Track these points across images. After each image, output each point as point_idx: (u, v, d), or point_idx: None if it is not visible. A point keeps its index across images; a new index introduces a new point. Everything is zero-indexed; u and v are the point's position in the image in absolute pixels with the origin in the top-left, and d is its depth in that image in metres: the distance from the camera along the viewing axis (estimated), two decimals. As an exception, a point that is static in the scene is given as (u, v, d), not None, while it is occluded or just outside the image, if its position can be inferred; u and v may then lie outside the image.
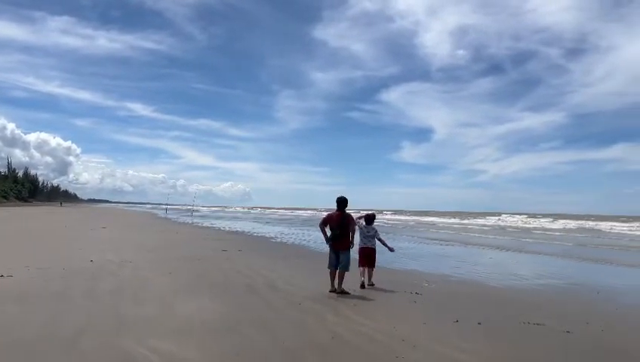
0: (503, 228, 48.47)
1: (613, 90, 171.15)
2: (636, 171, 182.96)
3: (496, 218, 71.98)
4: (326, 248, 9.20)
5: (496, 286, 10.68)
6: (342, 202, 9.00)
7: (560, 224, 55.44)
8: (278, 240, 23.40)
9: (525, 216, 74.19)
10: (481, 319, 7.09)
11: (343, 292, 8.71)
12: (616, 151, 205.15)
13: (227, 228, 33.83)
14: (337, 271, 8.82)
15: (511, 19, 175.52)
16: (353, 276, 9.86)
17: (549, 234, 36.12)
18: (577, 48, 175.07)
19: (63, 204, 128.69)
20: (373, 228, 10.27)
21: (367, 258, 9.94)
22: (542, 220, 63.29)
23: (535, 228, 47.73)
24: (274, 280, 9.99)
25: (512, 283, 11.25)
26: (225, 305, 7.44)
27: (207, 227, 35.44)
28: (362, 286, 9.54)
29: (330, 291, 8.82)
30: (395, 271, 12.76)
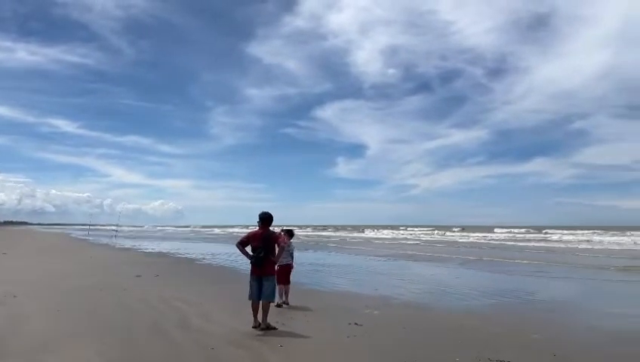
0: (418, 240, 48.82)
1: (531, 107, 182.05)
2: (553, 183, 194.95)
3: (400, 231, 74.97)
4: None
5: (443, 309, 9.62)
6: (266, 218, 7.55)
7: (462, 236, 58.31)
8: (205, 261, 21.45)
9: (432, 229, 79.87)
10: (442, 358, 5.86)
11: (268, 328, 7.23)
12: (535, 165, 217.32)
13: (151, 250, 31.18)
14: (260, 302, 7.33)
15: (438, 40, 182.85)
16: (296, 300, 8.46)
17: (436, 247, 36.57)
18: (498, 68, 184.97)
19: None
20: (292, 245, 10.02)
21: (285, 275, 9.55)
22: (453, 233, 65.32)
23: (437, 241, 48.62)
24: (188, 316, 8.32)
25: (458, 305, 10.25)
26: (116, 356, 5.74)
27: (129, 248, 32.54)
28: (279, 305, 9.14)
29: (253, 327, 7.30)
30: (328, 293, 11.48)
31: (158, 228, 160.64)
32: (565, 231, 58.38)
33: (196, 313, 8.58)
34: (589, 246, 36.80)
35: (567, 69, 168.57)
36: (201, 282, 13.59)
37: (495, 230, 70.52)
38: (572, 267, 20.21)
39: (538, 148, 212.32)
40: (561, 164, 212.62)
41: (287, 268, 9.67)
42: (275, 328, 7.30)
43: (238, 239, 7.69)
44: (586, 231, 56.74)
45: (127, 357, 5.75)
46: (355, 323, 7.86)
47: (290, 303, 9.53)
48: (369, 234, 73.43)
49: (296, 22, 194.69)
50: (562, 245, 39.36)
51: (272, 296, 7.38)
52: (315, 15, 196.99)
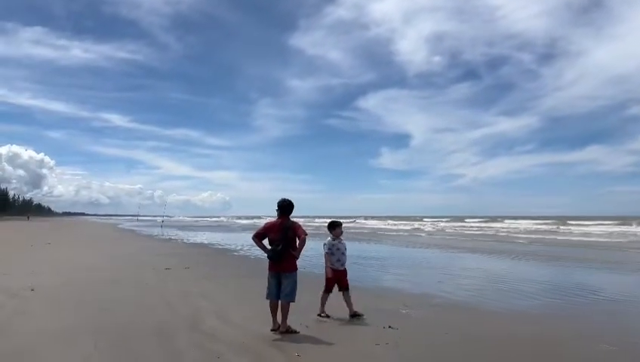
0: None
1: (584, 93, 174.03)
2: (606, 172, 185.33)
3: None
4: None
5: (493, 310, 8.37)
6: (285, 206, 6.60)
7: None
8: (242, 253, 20.84)
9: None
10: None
11: (288, 332, 6.30)
12: (588, 153, 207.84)
13: (191, 240, 31.07)
14: (280, 302, 6.41)
15: (484, 25, 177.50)
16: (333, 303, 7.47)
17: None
18: (548, 53, 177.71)
19: (30, 218, 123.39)
20: (343, 243, 7.73)
21: (341, 282, 7.54)
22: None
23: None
24: (204, 314, 7.51)
25: (510, 305, 8.94)
26: (102, 365, 4.97)
27: (170, 239, 32.62)
28: (323, 314, 7.46)
29: (271, 330, 6.41)
30: (365, 289, 10.34)
31: (208, 218, 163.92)
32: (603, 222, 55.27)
33: (214, 311, 7.78)
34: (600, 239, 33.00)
35: (622, 52, 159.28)
36: (232, 275, 12.88)
37: (505, 221, 70.80)
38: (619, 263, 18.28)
39: (591, 135, 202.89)
40: (617, 152, 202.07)
41: (340, 274, 7.53)
42: (296, 331, 6.37)
43: (255, 231, 6.78)
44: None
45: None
46: (390, 327, 6.82)
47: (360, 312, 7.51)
48: (408, 225, 71.21)
49: (338, 12, 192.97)
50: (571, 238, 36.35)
51: (293, 296, 6.41)
52: (357, 4, 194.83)
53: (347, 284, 7.58)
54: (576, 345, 6.14)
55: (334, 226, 7.69)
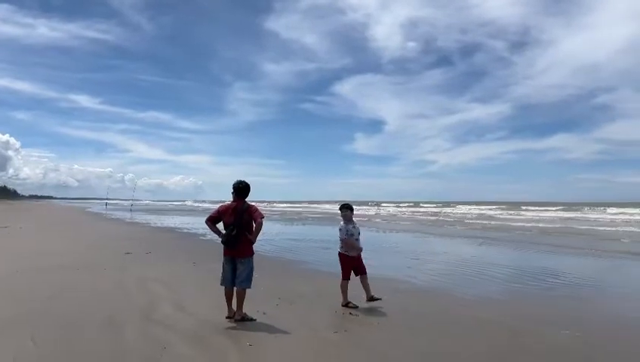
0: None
1: (554, 82, 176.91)
2: (573, 160, 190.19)
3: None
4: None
5: (457, 297, 8.29)
6: (242, 189, 6.29)
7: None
8: (208, 237, 20.41)
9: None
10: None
11: (243, 319, 6.06)
12: (557, 141, 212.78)
13: (159, 224, 30.42)
14: (235, 288, 6.13)
15: (458, 12, 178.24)
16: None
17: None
18: (520, 41, 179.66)
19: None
20: (357, 227, 7.46)
21: (358, 267, 7.34)
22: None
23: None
24: (160, 302, 7.19)
25: (473, 290, 8.88)
26: (36, 355, 4.62)
27: (137, 223, 31.86)
28: (350, 304, 7.14)
29: (226, 317, 6.15)
30: (330, 274, 10.13)
31: (179, 203, 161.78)
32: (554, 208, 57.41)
33: (171, 298, 7.47)
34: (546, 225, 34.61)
35: (591, 41, 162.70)
36: (196, 260, 12.48)
37: (458, 206, 73.21)
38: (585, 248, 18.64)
39: (561, 123, 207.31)
40: (584, 140, 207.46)
41: (357, 260, 7.35)
42: (252, 319, 6.13)
43: (208, 214, 6.43)
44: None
45: (50, 356, 4.64)
46: (350, 314, 6.66)
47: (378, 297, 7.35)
48: (368, 210, 71.03)
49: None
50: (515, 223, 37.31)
51: (249, 282, 6.15)
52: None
53: (364, 268, 7.39)
54: (540, 331, 6.07)
55: (346, 209, 7.41)
